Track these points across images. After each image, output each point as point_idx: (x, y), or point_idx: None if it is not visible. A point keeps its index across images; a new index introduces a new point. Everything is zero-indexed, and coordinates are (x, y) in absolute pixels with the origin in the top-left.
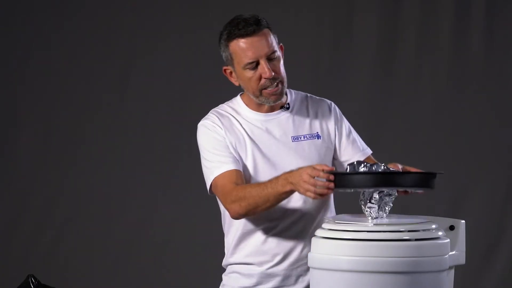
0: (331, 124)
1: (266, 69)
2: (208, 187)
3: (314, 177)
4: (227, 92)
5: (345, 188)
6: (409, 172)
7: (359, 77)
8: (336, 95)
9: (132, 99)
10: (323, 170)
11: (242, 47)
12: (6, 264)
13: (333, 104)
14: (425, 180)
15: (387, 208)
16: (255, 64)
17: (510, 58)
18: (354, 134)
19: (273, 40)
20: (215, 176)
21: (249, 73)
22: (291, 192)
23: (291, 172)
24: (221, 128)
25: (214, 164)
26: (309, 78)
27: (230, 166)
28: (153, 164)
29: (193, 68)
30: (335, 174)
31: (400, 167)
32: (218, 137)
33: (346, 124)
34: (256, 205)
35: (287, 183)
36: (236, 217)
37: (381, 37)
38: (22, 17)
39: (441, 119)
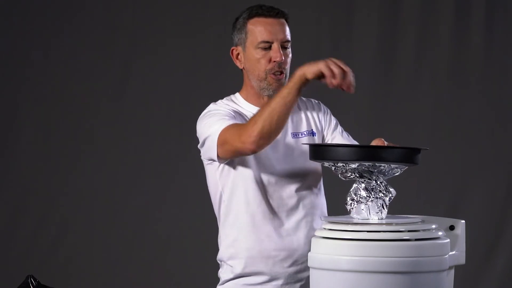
0: (321, 118)
1: (279, 53)
2: (215, 153)
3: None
4: (228, 93)
5: (328, 161)
6: (393, 147)
7: (359, 77)
8: (336, 95)
9: (132, 99)
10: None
11: (261, 25)
12: (6, 264)
13: (320, 102)
14: (410, 155)
15: (379, 206)
16: (268, 46)
17: (510, 58)
18: (342, 128)
19: (289, 33)
20: (219, 132)
21: (259, 54)
22: (305, 81)
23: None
24: (227, 107)
25: (217, 125)
26: None
27: (234, 120)
28: (154, 164)
29: (194, 70)
30: (318, 146)
31: (385, 143)
32: (224, 109)
33: (334, 119)
34: (270, 115)
35: (297, 71)
36: (252, 146)
37: (381, 37)
38: (22, 17)
39: (441, 118)
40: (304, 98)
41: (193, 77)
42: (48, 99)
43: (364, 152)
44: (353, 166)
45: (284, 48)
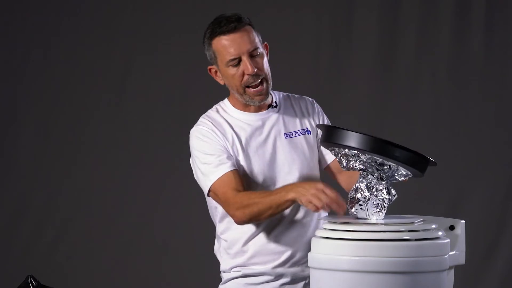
0: (316, 118)
1: (248, 65)
2: (206, 192)
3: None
4: (227, 92)
5: (340, 146)
6: (407, 149)
7: (359, 76)
8: (336, 94)
9: (132, 99)
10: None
11: (224, 44)
12: (6, 264)
13: (313, 100)
14: (419, 162)
15: (378, 207)
16: (238, 61)
17: (510, 58)
18: None
19: (256, 37)
20: (212, 182)
21: (232, 70)
22: (292, 202)
23: (299, 183)
24: (215, 133)
25: (209, 168)
26: (309, 78)
27: (226, 167)
28: (153, 164)
29: (193, 68)
30: (333, 128)
31: None
32: (213, 141)
33: (327, 119)
34: (259, 212)
35: (291, 190)
36: (240, 223)
37: (381, 37)
38: (22, 16)
39: (441, 118)
40: (297, 96)
41: (193, 77)
42: (48, 99)
43: (379, 145)
44: (363, 158)
45: (253, 56)
